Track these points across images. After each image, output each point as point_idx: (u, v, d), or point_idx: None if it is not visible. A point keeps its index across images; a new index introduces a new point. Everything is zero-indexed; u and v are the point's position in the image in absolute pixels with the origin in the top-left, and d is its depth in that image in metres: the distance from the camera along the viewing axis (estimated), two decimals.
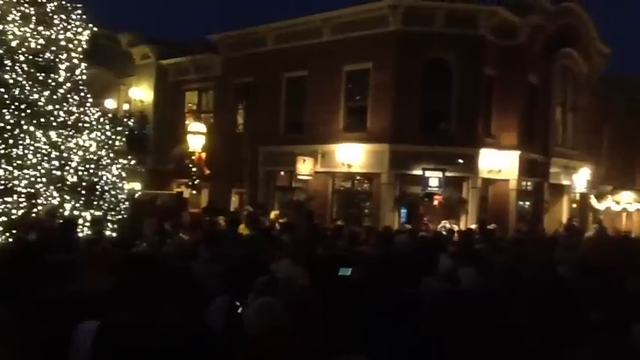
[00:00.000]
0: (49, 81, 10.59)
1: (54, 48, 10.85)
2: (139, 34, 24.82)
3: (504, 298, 4.98)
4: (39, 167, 9.91)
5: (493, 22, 17.46)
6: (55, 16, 10.99)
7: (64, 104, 10.72)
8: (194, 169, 17.25)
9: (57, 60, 10.85)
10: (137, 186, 13.78)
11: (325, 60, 18.44)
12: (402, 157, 17.05)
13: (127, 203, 11.35)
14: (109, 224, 10.46)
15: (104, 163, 11.15)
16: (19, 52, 10.32)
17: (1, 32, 10.23)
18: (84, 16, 11.48)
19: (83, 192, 10.37)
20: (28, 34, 10.48)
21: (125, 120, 14.09)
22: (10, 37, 10.29)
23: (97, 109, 11.64)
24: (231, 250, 7.04)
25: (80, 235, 8.81)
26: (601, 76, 22.83)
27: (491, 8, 17.44)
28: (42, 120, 10.21)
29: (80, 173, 10.51)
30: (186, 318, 3.59)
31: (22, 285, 4.09)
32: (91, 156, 10.90)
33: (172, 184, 22.03)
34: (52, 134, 10.31)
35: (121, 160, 11.65)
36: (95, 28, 11.89)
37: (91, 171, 10.74)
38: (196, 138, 17.03)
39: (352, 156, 17.78)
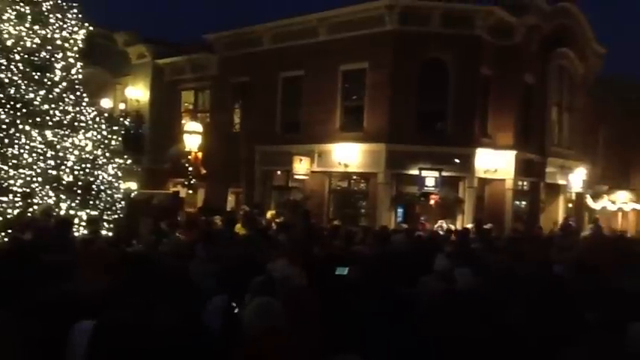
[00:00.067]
0: (45, 80, 10.56)
1: (50, 47, 10.81)
2: (135, 34, 24.77)
3: (500, 298, 4.99)
4: (35, 167, 9.87)
5: (489, 22, 17.49)
6: (51, 15, 10.95)
7: (60, 103, 10.68)
8: (190, 169, 17.23)
9: (53, 59, 10.82)
10: (133, 185, 13.73)
11: (322, 59, 18.44)
12: (399, 156, 17.07)
13: (123, 203, 11.32)
14: (105, 224, 10.44)
15: (100, 162, 11.12)
16: (15, 51, 10.29)
17: None
18: (80, 15, 11.44)
19: (79, 191, 10.35)
20: (23, 33, 10.44)
21: (121, 119, 14.08)
22: (6, 36, 10.25)
23: (93, 109, 11.61)
24: (227, 250, 7.03)
25: (76, 234, 8.79)
26: (596, 77, 22.90)
27: (487, 8, 17.48)
28: (38, 119, 10.17)
29: (76, 173, 10.48)
30: (183, 318, 3.58)
31: (17, 285, 4.08)
32: (87, 155, 10.87)
33: (168, 184, 21.99)
34: (48, 133, 10.28)
35: (117, 160, 11.62)
36: (91, 28, 11.85)
37: (87, 170, 10.70)
38: (192, 137, 17.02)
39: (349, 156, 17.78)
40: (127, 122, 15.42)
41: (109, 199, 10.98)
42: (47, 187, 9.94)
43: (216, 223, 11.91)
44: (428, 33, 17.28)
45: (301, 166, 18.38)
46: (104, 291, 3.94)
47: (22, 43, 10.39)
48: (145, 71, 24.40)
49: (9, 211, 9.31)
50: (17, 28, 10.37)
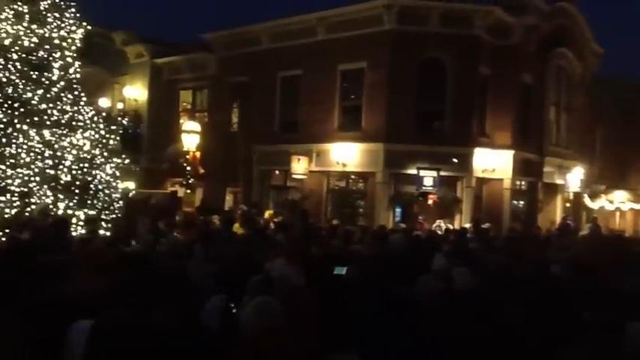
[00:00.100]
0: (43, 79, 10.53)
1: (47, 46, 10.77)
2: (133, 33, 24.74)
3: (498, 298, 4.99)
4: (32, 166, 9.85)
5: (488, 22, 17.50)
6: (49, 14, 10.91)
7: (58, 103, 10.65)
8: (188, 168, 17.22)
9: (50, 58, 10.78)
10: (131, 185, 13.70)
11: (320, 59, 18.44)
12: (397, 156, 17.08)
13: (120, 202, 11.29)
14: (103, 223, 10.41)
15: (98, 162, 11.10)
16: (13, 50, 10.26)
17: None
18: (78, 14, 11.40)
19: (77, 191, 10.32)
20: (21, 33, 10.41)
21: (119, 119, 14.00)
22: (3, 35, 10.23)
23: (91, 108, 11.58)
24: (225, 250, 7.03)
25: (74, 234, 8.77)
26: (594, 76, 22.93)
27: (486, 8, 17.49)
28: (35, 119, 10.14)
29: (74, 172, 10.45)
30: (181, 317, 3.58)
31: (15, 284, 4.07)
32: (85, 155, 10.84)
33: (166, 183, 21.98)
34: (46, 133, 10.26)
35: (115, 159, 11.59)
36: (89, 27, 11.82)
37: (85, 170, 10.68)
38: (191, 137, 17.00)
39: (347, 155, 17.79)
40: (125, 122, 15.35)
41: (106, 198, 10.95)
42: (45, 186, 9.91)
43: (214, 222, 11.92)
44: (426, 33, 17.29)
45: (299, 166, 18.38)
46: (102, 291, 3.93)
47: (19, 42, 10.36)
48: (143, 71, 24.37)
49: (6, 210, 9.29)
50: (15, 27, 10.34)
